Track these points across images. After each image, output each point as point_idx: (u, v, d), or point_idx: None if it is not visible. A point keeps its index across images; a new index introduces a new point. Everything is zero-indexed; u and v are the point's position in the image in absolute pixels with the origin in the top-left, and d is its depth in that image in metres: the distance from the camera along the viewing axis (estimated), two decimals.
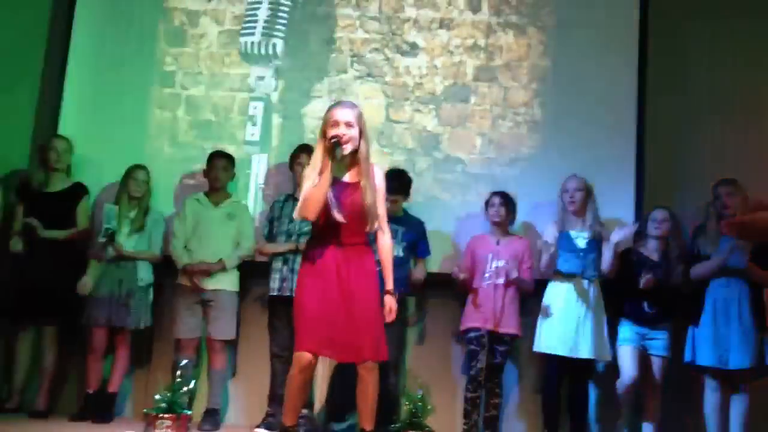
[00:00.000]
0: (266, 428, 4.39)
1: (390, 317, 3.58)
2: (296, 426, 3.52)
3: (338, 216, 3.45)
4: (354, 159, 3.54)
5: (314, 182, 3.45)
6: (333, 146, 3.44)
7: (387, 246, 3.64)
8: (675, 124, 4.98)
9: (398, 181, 4.56)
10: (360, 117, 3.54)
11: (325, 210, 3.47)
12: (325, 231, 3.53)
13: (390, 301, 3.59)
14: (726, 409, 4.31)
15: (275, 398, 4.42)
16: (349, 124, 3.50)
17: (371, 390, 3.50)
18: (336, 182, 3.51)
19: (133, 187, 4.70)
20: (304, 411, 4.28)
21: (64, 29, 5.22)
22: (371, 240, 3.65)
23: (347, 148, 3.48)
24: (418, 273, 4.64)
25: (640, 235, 4.52)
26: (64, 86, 5.15)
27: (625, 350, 4.40)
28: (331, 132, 3.47)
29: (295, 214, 3.52)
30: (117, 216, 4.59)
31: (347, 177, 3.56)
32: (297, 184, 4.55)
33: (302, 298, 3.52)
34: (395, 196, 4.51)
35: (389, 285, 3.62)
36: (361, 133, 3.53)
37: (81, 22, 5.22)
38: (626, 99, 4.97)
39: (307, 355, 3.44)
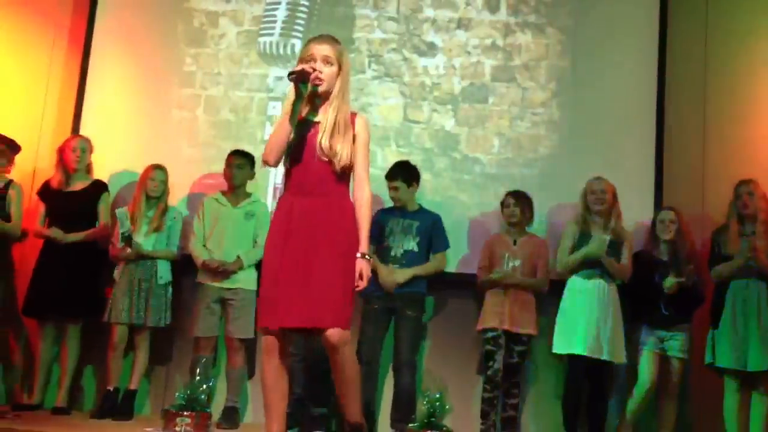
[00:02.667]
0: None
1: (361, 284, 3.11)
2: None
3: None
4: (328, 99, 3.15)
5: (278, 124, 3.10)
6: (298, 81, 3.05)
7: (365, 201, 3.16)
8: (695, 124, 4.95)
9: (399, 167, 4.53)
10: (341, 54, 3.15)
11: (292, 156, 3.12)
12: (293, 180, 3.15)
13: (362, 265, 3.11)
14: (746, 410, 4.26)
15: (292, 397, 4.42)
16: (326, 60, 3.11)
17: (345, 371, 3.07)
18: (307, 123, 3.14)
19: (150, 186, 4.74)
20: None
21: (85, 30, 5.26)
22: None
23: (322, 86, 3.11)
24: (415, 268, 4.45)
25: (651, 237, 4.52)
26: (85, 86, 5.20)
27: (647, 356, 4.38)
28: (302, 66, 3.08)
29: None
30: (128, 217, 4.59)
31: (320, 118, 3.16)
32: None
33: (263, 263, 3.20)
34: (394, 182, 4.50)
35: (363, 247, 3.14)
36: (340, 71, 3.14)
37: (101, 24, 5.25)
38: (645, 99, 4.95)
39: (268, 338, 3.09)
